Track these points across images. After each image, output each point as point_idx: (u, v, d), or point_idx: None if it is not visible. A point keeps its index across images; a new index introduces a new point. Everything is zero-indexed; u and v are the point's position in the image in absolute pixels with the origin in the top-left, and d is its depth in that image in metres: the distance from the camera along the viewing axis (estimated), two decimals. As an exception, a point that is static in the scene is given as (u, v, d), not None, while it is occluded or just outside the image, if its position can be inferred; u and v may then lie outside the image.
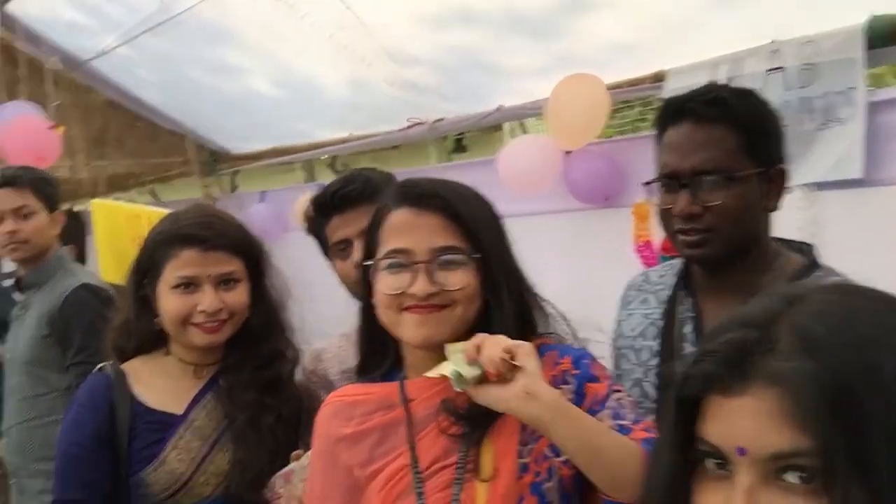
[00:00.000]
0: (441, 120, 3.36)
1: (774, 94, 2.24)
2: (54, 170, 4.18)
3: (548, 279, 1.39)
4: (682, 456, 0.72)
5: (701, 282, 1.54)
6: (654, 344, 1.58)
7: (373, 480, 1.24)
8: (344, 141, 3.93)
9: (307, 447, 1.56)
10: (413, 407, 1.26)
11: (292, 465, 1.58)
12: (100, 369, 1.70)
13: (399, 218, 1.25)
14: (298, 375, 1.86)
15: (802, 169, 2.23)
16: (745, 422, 0.65)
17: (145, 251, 1.70)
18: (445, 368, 1.13)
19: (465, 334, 1.20)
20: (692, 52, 2.44)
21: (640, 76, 2.61)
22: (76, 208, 5.11)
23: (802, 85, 2.21)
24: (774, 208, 1.47)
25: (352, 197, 1.76)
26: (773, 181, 1.45)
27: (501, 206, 1.35)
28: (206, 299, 1.61)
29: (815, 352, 0.63)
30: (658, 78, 2.55)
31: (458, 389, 1.12)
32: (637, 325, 1.64)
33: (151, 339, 1.72)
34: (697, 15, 2.37)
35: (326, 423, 1.34)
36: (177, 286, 1.62)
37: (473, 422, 1.19)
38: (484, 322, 1.23)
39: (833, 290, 0.72)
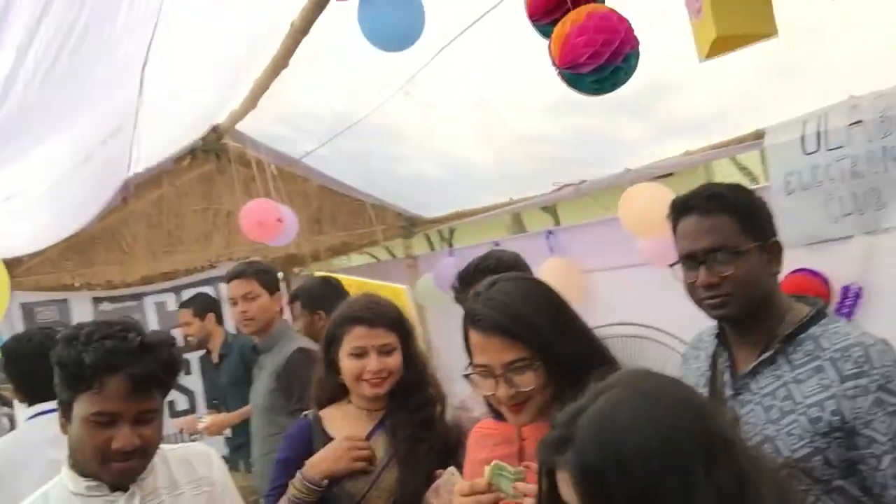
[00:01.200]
0: (584, 182, 3.77)
1: (859, 146, 2.42)
2: (283, 247, 5.16)
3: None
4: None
5: (732, 336, 1.84)
6: (705, 391, 1.89)
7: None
8: (507, 203, 4.46)
9: (459, 467, 2.08)
10: (525, 444, 1.68)
11: (438, 481, 2.08)
12: (304, 415, 2.33)
13: (474, 339, 1.59)
14: (449, 415, 2.37)
15: (893, 212, 2.38)
16: (564, 489, 1.00)
17: (330, 327, 2.30)
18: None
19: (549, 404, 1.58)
20: (784, 111, 2.65)
21: (740, 135, 2.85)
22: (302, 274, 6.15)
23: (883, 135, 2.36)
24: (777, 271, 1.77)
25: (487, 271, 2.26)
26: (770, 251, 1.76)
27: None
28: (372, 363, 2.17)
29: (583, 448, 0.96)
30: (758, 136, 2.79)
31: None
32: (692, 377, 1.95)
33: (338, 392, 2.30)
34: (783, 81, 2.59)
35: (472, 446, 1.82)
36: (351, 354, 2.20)
37: None
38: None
39: (617, 392, 1.01)
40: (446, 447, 2.20)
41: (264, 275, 3.49)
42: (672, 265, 1.86)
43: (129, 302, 4.97)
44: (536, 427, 1.65)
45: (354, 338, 2.20)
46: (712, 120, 2.85)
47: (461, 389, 2.45)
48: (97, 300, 4.86)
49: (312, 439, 2.21)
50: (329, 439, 2.21)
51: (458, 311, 2.36)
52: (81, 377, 1.59)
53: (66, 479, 1.72)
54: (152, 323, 4.98)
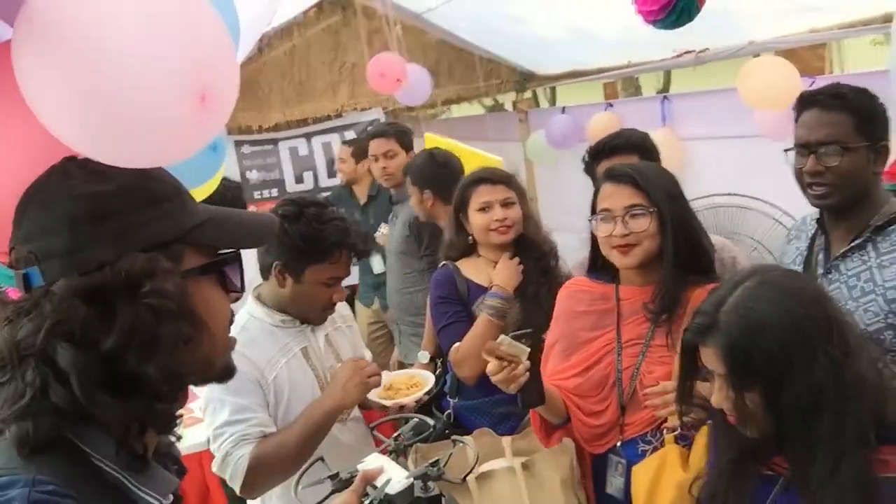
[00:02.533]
0: (705, 51, 3.85)
1: None
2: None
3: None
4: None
5: (830, 223, 2.09)
6: (800, 268, 2.17)
7: (591, 342, 2.05)
8: (625, 66, 4.57)
9: None
10: (622, 304, 2.05)
11: None
12: (443, 265, 2.74)
13: (607, 189, 1.98)
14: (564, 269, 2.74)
15: None
16: (708, 360, 1.39)
17: (458, 192, 2.70)
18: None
19: (652, 262, 1.94)
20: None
21: (868, 16, 2.90)
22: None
23: None
24: (880, 171, 1.98)
25: (616, 147, 2.59)
26: (878, 153, 1.96)
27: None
28: (497, 213, 2.58)
29: (730, 331, 1.33)
30: (886, 19, 2.83)
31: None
32: (792, 254, 2.23)
33: (467, 250, 2.72)
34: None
35: (566, 298, 2.18)
36: (479, 209, 2.61)
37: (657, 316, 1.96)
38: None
39: (752, 286, 1.36)
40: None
41: (402, 135, 3.89)
42: (787, 151, 2.08)
43: (266, 146, 5.44)
44: (633, 289, 2.02)
45: (480, 195, 2.60)
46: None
47: (562, 241, 2.80)
48: (238, 143, 5.35)
49: (456, 281, 2.64)
50: (468, 281, 2.63)
51: (565, 169, 2.66)
52: (322, 250, 2.05)
53: (258, 314, 2.16)
54: (286, 165, 5.46)
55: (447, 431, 2.50)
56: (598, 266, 2.12)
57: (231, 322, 1.07)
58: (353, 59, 5.39)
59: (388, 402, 2.14)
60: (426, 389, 2.18)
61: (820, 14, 3.03)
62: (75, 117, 0.93)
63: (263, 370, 2.06)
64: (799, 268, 2.17)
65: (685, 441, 1.87)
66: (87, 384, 0.87)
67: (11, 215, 0.94)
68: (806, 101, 2.02)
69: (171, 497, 0.99)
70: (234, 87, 1.08)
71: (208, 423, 2.01)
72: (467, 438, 1.94)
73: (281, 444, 1.97)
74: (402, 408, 2.14)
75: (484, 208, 2.58)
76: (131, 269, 0.89)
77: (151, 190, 0.97)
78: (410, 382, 2.24)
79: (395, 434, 1.53)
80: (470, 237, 2.66)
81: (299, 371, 2.13)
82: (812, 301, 1.33)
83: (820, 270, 2.08)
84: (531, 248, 2.65)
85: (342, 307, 2.41)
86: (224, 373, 1.05)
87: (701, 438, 1.82)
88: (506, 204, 2.58)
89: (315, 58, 5.37)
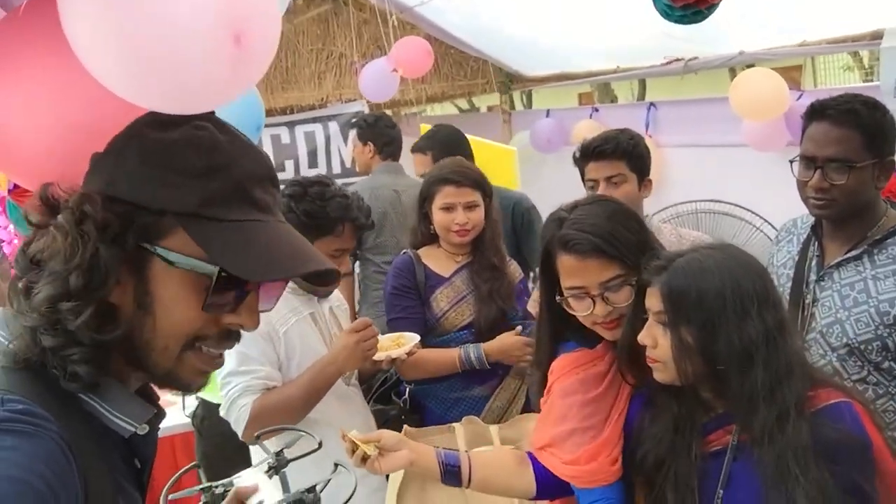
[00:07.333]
0: (695, 59, 3.91)
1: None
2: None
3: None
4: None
5: (826, 230, 2.08)
6: (790, 272, 2.19)
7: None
8: (614, 71, 4.62)
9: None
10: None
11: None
12: (404, 252, 2.76)
13: (568, 263, 1.63)
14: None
15: None
16: (650, 299, 1.47)
17: (424, 185, 2.71)
18: None
19: None
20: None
21: (858, 33, 2.96)
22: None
23: None
24: (882, 187, 1.97)
25: (605, 152, 2.53)
26: (884, 168, 1.95)
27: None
28: (459, 217, 2.58)
29: (674, 273, 1.44)
30: (875, 36, 2.90)
31: None
32: (783, 258, 2.23)
33: (429, 238, 2.72)
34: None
35: (575, 385, 1.72)
36: (442, 208, 2.61)
37: None
38: None
39: (710, 250, 1.49)
40: (511, 292, 2.65)
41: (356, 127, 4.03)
42: (792, 161, 2.05)
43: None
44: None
45: (445, 195, 2.59)
46: (831, 14, 2.95)
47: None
48: (219, 127, 5.26)
49: (415, 270, 2.65)
50: (426, 269, 2.65)
51: (547, 171, 2.67)
52: (325, 225, 2.15)
53: None
54: (268, 152, 5.35)
55: (402, 417, 2.54)
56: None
57: (190, 342, 0.94)
58: (341, 50, 5.36)
59: (380, 356, 2.25)
60: (414, 343, 2.34)
61: (807, 32, 3.09)
62: (107, 52, 0.92)
63: (275, 324, 2.16)
64: (790, 271, 2.19)
65: None
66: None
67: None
68: (816, 113, 1.97)
69: (146, 427, 0.95)
70: (273, 34, 1.05)
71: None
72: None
73: (283, 400, 2.10)
74: (393, 361, 2.30)
75: (447, 208, 2.59)
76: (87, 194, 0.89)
77: (182, 156, 0.91)
78: (398, 342, 2.38)
79: (277, 450, 1.47)
80: (432, 227, 2.67)
81: (309, 331, 2.25)
82: (758, 276, 1.44)
83: (812, 276, 2.08)
84: (488, 248, 2.66)
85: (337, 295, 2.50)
86: (166, 379, 0.96)
87: None
88: (469, 207, 2.58)
89: (303, 46, 5.33)
